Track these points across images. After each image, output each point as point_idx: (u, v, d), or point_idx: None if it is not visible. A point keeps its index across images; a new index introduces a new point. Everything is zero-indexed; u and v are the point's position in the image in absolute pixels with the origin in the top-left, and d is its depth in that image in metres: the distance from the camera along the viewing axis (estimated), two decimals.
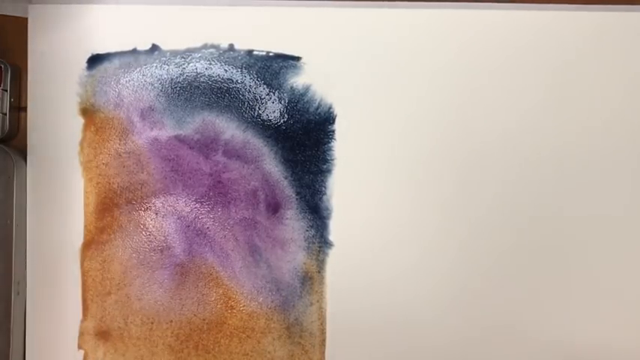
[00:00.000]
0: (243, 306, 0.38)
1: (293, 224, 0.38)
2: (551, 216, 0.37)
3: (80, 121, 0.38)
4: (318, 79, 0.38)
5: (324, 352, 0.38)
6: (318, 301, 0.38)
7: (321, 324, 0.38)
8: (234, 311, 0.38)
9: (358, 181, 0.38)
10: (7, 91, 0.38)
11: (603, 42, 0.37)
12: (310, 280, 0.38)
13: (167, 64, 0.38)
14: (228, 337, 0.38)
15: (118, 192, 0.38)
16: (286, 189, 0.38)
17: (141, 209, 0.38)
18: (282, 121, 0.38)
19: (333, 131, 0.38)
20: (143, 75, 0.38)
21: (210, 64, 0.38)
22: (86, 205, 0.38)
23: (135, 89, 0.38)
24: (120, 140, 0.38)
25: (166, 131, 0.38)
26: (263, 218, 0.38)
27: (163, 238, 0.38)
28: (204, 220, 0.38)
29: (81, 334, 0.38)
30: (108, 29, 0.38)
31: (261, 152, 0.38)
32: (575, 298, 0.37)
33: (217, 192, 0.38)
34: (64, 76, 0.38)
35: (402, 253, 0.38)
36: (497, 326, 0.38)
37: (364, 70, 0.38)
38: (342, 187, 0.38)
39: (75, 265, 0.38)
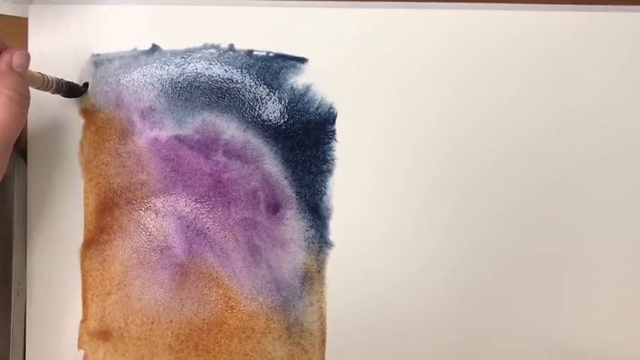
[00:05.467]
0: (243, 306, 0.38)
1: (293, 224, 0.38)
2: (553, 216, 0.37)
3: (80, 121, 0.38)
4: (318, 79, 0.38)
5: (324, 352, 0.38)
6: (318, 301, 0.38)
7: (321, 324, 0.38)
8: (234, 311, 0.38)
9: (358, 181, 0.38)
10: None
11: (601, 41, 0.37)
12: (310, 280, 0.38)
13: (167, 64, 0.38)
14: (228, 337, 0.38)
15: (118, 192, 0.38)
16: (286, 189, 0.38)
17: (141, 209, 0.38)
18: (282, 121, 0.38)
19: (334, 131, 0.38)
20: (143, 75, 0.38)
21: (210, 64, 0.38)
22: (86, 205, 0.38)
23: (135, 89, 0.38)
24: (120, 140, 0.38)
25: (166, 131, 0.38)
26: (263, 218, 0.38)
27: (163, 238, 0.38)
28: (204, 220, 0.38)
29: (81, 334, 0.38)
30: (108, 29, 0.38)
31: (261, 152, 0.38)
32: (580, 301, 0.37)
33: (217, 192, 0.38)
34: (64, 76, 0.38)
35: (402, 253, 0.38)
36: (497, 327, 0.38)
37: (365, 70, 0.38)
38: (342, 187, 0.38)
39: (75, 265, 0.38)
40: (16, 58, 0.29)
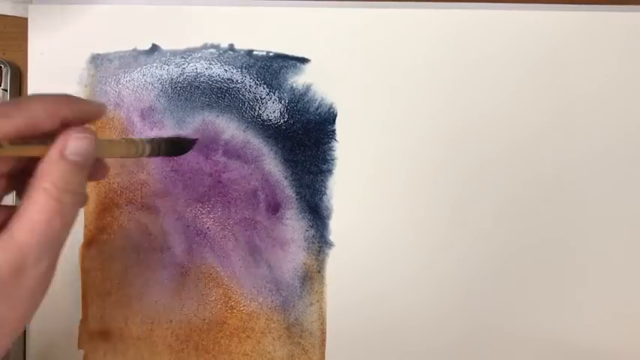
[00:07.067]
0: (243, 306, 0.38)
1: (293, 224, 0.38)
2: (553, 214, 0.37)
3: None
4: (318, 78, 0.38)
5: (324, 352, 0.38)
6: (318, 301, 0.38)
7: (321, 324, 0.38)
8: (234, 311, 0.38)
9: (358, 181, 0.38)
10: (7, 91, 0.38)
11: (600, 41, 0.37)
12: (310, 280, 0.38)
13: (167, 64, 0.38)
14: (228, 337, 0.38)
15: (118, 192, 0.38)
16: (286, 189, 0.38)
17: (141, 209, 0.38)
18: (282, 121, 0.38)
19: (334, 131, 0.38)
20: (143, 75, 0.38)
21: (210, 64, 0.38)
22: (86, 204, 0.38)
23: (135, 89, 0.38)
24: None
25: (166, 131, 0.38)
26: (263, 218, 0.38)
27: (163, 238, 0.38)
28: (204, 220, 0.38)
29: (81, 334, 0.38)
30: (108, 29, 0.38)
31: (261, 152, 0.38)
32: (581, 300, 0.37)
33: (217, 192, 0.38)
34: (64, 76, 0.38)
35: (402, 253, 0.38)
36: (498, 326, 0.38)
37: (365, 70, 0.38)
38: (342, 187, 0.38)
39: (75, 265, 0.38)
40: (72, 145, 0.22)
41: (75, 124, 0.23)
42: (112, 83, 0.38)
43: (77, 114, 0.23)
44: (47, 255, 0.22)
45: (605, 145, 0.37)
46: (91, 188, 0.38)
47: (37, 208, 0.21)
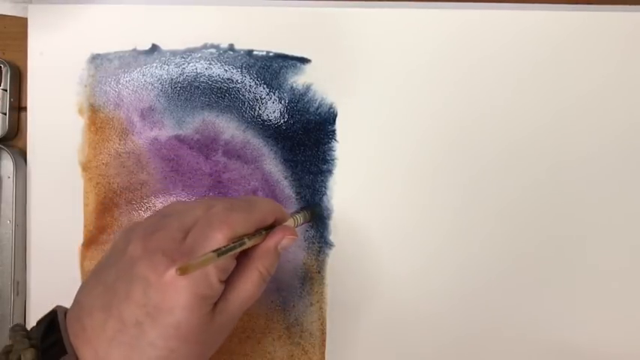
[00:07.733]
0: None
1: None
2: (554, 214, 0.37)
3: (80, 121, 0.38)
4: (318, 79, 0.38)
5: (324, 352, 0.38)
6: (318, 301, 0.38)
7: (321, 324, 0.38)
8: None
9: (358, 181, 0.38)
10: (7, 91, 0.38)
11: (600, 41, 0.37)
12: (310, 280, 0.38)
13: (167, 64, 0.38)
14: (228, 337, 0.38)
15: (118, 192, 0.38)
16: (286, 189, 0.38)
17: (141, 209, 0.38)
18: (282, 121, 0.38)
19: (334, 131, 0.38)
20: (143, 75, 0.38)
21: (210, 64, 0.38)
22: (86, 205, 0.38)
23: (135, 89, 0.38)
24: (120, 140, 0.38)
25: (166, 131, 0.38)
26: None
27: None
28: None
29: None
30: (108, 29, 0.38)
31: (261, 152, 0.38)
32: (583, 300, 0.37)
33: (217, 192, 0.38)
34: (64, 76, 0.38)
35: (402, 253, 0.38)
36: (499, 328, 0.38)
37: (365, 69, 0.38)
38: (342, 188, 0.37)
39: (75, 265, 0.38)
40: (285, 242, 0.29)
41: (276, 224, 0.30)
42: (112, 83, 0.38)
43: (280, 217, 0.30)
44: (239, 318, 0.29)
45: (606, 144, 0.37)
46: (91, 188, 0.38)
47: (249, 285, 0.28)
